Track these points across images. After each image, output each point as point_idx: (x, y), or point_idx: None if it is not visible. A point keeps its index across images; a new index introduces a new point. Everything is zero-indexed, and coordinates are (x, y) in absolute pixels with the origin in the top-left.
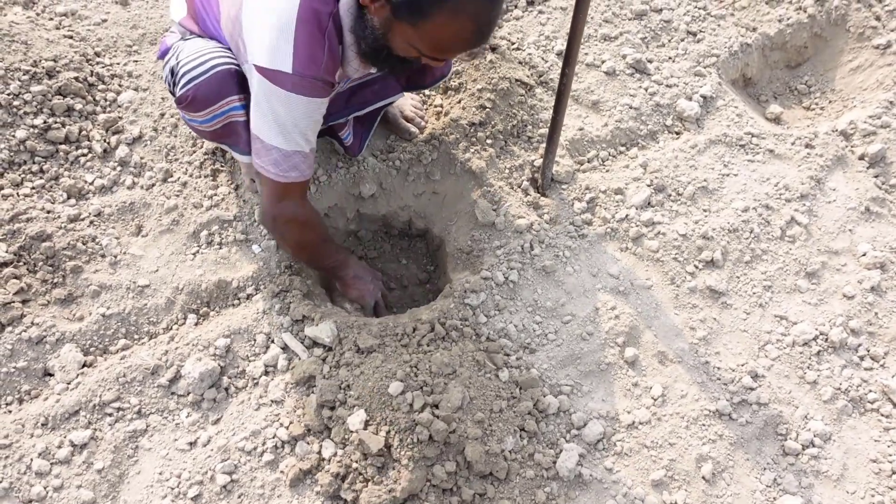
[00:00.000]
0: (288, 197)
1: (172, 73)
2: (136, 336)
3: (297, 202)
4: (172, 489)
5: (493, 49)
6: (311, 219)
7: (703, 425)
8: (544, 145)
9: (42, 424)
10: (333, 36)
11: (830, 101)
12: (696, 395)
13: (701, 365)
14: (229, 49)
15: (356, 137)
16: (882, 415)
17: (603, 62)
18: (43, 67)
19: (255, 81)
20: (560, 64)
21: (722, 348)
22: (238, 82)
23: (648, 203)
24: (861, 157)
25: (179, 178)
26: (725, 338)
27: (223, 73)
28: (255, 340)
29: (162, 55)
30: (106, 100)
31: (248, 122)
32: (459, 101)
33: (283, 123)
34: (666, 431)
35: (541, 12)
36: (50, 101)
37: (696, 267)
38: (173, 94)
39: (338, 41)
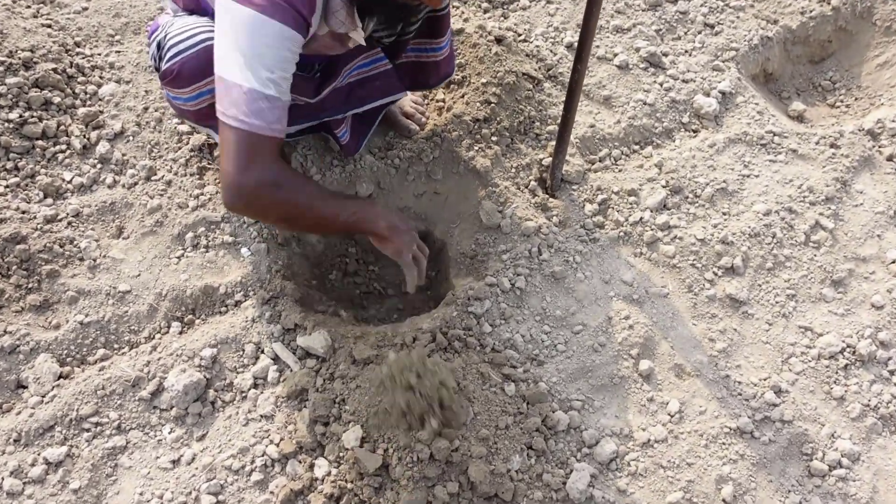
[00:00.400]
0: (256, 159)
1: (159, 47)
2: (115, 345)
3: (267, 165)
4: None
5: (499, 41)
6: (287, 178)
7: (724, 444)
8: (553, 143)
9: (14, 440)
10: None
11: (856, 99)
12: (716, 412)
13: (720, 379)
14: None
15: (353, 137)
16: None
17: (615, 55)
18: (19, 58)
19: (220, 9)
20: (570, 57)
21: (743, 361)
22: None
23: (664, 205)
24: (889, 158)
25: (163, 176)
26: (746, 350)
27: (212, 48)
28: (243, 351)
29: (150, 36)
30: (86, 93)
31: None
32: (463, 96)
33: (245, 54)
34: (683, 450)
35: (549, 2)
36: (26, 93)
37: (715, 274)
38: (158, 69)
39: None
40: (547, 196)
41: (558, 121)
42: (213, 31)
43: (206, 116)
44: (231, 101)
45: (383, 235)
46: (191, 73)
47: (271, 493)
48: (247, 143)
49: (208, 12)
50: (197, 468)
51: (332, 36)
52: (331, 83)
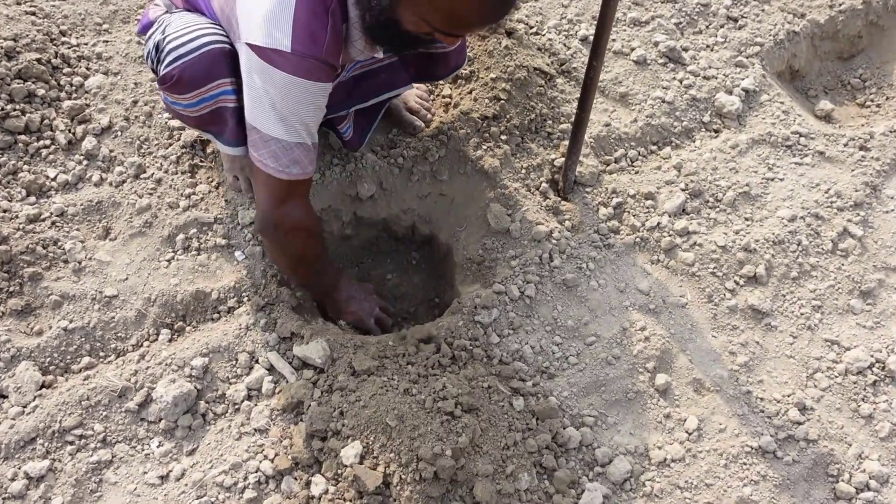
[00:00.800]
0: (291, 198)
1: (157, 48)
2: (101, 353)
3: (301, 206)
4: None
5: (510, 34)
6: (316, 227)
7: (744, 464)
8: (566, 143)
9: None
10: (338, 13)
11: (888, 98)
12: (737, 430)
13: (742, 395)
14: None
15: (356, 131)
16: None
17: (632, 50)
18: (1, 47)
19: (249, 63)
20: (585, 51)
21: (765, 376)
22: (231, 63)
23: (683, 210)
24: None
25: (153, 174)
26: (769, 364)
27: (215, 53)
28: (236, 360)
29: (143, 30)
30: (72, 85)
31: (238, 108)
32: (471, 92)
33: (281, 111)
34: (702, 470)
35: None
36: (8, 85)
37: (737, 283)
38: (155, 72)
39: (342, 19)
40: (559, 199)
41: (571, 119)
42: (216, 32)
43: (206, 123)
44: (269, 152)
45: (340, 307)
46: (192, 79)
47: None
48: (285, 188)
49: (203, 12)
50: (186, 484)
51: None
52: (335, 79)
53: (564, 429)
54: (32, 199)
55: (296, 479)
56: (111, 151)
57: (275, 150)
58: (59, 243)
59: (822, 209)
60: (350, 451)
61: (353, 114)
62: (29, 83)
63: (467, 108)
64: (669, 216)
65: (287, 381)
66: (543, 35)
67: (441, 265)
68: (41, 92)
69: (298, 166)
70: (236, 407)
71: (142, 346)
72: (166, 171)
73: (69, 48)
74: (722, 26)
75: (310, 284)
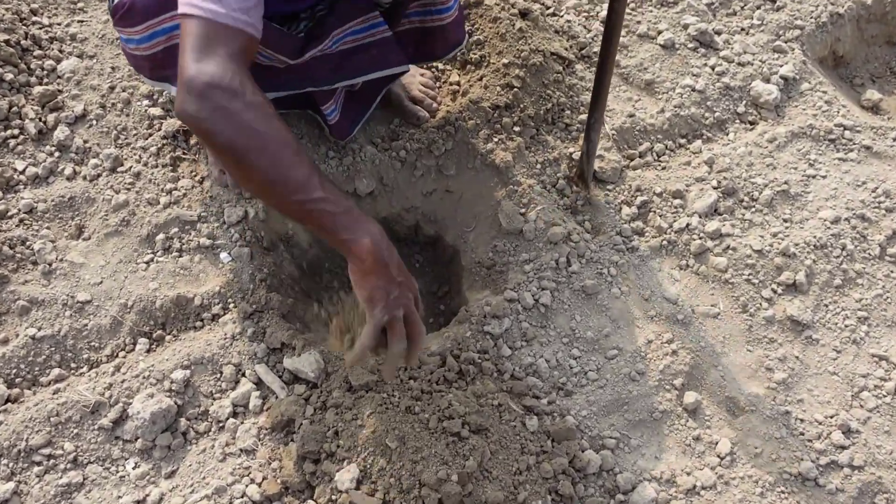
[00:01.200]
0: (208, 52)
1: None
2: (73, 365)
3: (221, 60)
4: None
5: (524, 14)
6: (251, 92)
7: (782, 492)
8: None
9: None
10: None
11: None
12: (774, 454)
13: (779, 416)
14: None
15: (345, 117)
16: None
17: (659, 33)
18: None
19: None
20: None
21: (806, 395)
22: None
23: (715, 210)
24: None
25: (131, 167)
26: (810, 382)
27: None
28: (221, 373)
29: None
30: (43, 69)
31: None
32: (481, 79)
33: None
34: (735, 499)
35: None
36: None
37: (775, 291)
38: (111, 10)
39: None
40: (577, 197)
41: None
42: None
43: (161, 65)
44: None
45: (363, 260)
46: (145, 7)
47: None
48: (203, 33)
49: None
50: None
51: None
52: (317, 45)
53: (583, 452)
54: None
55: None
56: (85, 142)
57: None
58: (28, 243)
59: (869, 210)
60: (346, 476)
61: (341, 96)
62: None
63: (477, 96)
64: (700, 217)
65: (276, 397)
66: (561, 16)
67: (447, 269)
68: (9, 76)
69: (220, 4)
70: (220, 425)
71: (117, 356)
72: (145, 164)
73: (40, 28)
74: (758, 7)
75: (285, 203)
